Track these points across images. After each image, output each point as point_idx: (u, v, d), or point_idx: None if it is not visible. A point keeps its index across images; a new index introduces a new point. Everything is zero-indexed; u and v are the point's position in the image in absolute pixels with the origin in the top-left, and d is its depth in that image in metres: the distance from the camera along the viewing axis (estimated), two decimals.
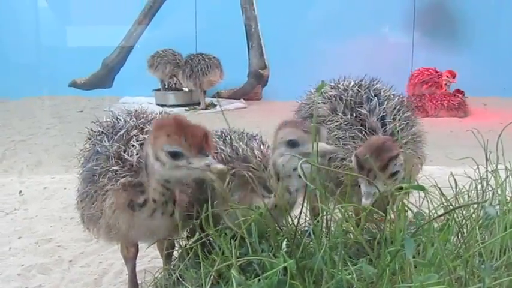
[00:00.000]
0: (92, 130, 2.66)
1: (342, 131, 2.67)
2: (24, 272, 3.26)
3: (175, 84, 9.14)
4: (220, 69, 8.87)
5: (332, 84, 2.96)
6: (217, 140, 2.56)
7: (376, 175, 2.17)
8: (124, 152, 2.38)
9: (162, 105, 8.27)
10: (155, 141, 2.16)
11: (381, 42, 9.75)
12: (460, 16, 9.68)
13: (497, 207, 1.97)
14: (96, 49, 9.70)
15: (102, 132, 2.56)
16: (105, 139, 2.47)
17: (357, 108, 2.70)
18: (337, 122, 2.69)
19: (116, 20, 9.74)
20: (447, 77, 8.43)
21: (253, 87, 9.54)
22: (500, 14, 9.63)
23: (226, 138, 2.61)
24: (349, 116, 2.69)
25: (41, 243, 3.67)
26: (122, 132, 2.47)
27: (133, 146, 2.40)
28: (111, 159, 2.38)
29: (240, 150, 2.53)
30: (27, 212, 4.25)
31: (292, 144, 2.24)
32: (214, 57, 8.86)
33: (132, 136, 2.44)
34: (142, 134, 2.44)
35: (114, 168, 2.35)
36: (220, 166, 2.08)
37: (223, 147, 2.52)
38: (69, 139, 6.81)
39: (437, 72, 8.61)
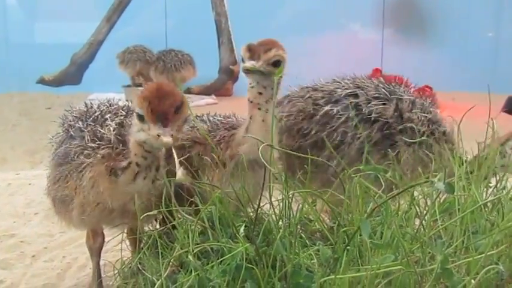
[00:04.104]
0: (65, 116, 2.67)
1: None
2: None
3: (140, 84, 9.05)
4: (193, 66, 8.89)
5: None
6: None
7: None
8: (99, 131, 2.42)
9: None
10: (135, 102, 2.20)
11: (351, 39, 9.80)
12: (429, 13, 9.79)
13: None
14: (65, 45, 9.56)
15: (75, 117, 2.59)
16: (79, 122, 2.51)
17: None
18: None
19: (84, 16, 9.61)
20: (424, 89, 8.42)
21: (224, 83, 9.51)
22: (468, 11, 9.75)
23: (203, 117, 2.66)
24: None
25: (3, 239, 3.60)
26: (96, 114, 2.52)
27: (108, 125, 2.44)
28: (87, 137, 2.41)
29: (219, 123, 2.56)
30: None
31: None
32: (187, 54, 8.85)
33: (107, 118, 2.49)
34: (117, 117, 2.49)
35: (91, 145, 2.38)
36: (167, 139, 2.07)
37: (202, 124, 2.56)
38: (37, 136, 6.71)
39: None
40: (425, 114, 2.83)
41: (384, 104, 2.78)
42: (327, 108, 2.79)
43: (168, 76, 8.72)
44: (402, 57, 9.32)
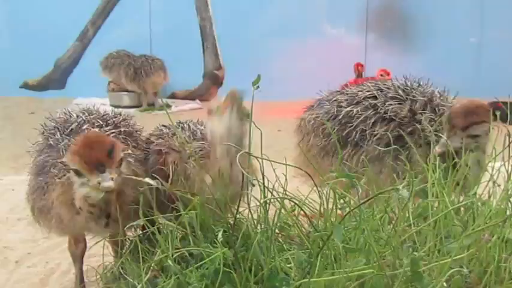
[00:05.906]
0: (45, 125, 2.69)
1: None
2: None
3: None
4: (164, 71, 8.73)
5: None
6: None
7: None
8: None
9: (116, 106, 8.15)
10: (67, 158, 2.22)
11: (334, 44, 9.85)
12: (412, 18, 9.88)
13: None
14: (49, 50, 9.54)
15: (55, 126, 2.60)
16: (58, 133, 2.52)
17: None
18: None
19: (68, 20, 9.57)
20: (381, 75, 8.38)
21: (209, 88, 9.55)
22: (450, 16, 9.82)
23: (184, 125, 2.69)
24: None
25: None
26: (73, 126, 2.53)
27: None
28: (62, 151, 2.41)
29: (199, 132, 2.57)
30: None
31: None
32: (157, 59, 8.73)
33: (84, 130, 2.50)
34: (93, 128, 2.51)
35: (64, 160, 2.36)
36: (108, 183, 2.10)
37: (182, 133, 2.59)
38: (20, 141, 6.60)
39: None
40: (434, 116, 2.96)
41: (399, 103, 2.95)
42: (348, 109, 3.00)
43: (140, 83, 8.66)
44: (385, 62, 9.38)
